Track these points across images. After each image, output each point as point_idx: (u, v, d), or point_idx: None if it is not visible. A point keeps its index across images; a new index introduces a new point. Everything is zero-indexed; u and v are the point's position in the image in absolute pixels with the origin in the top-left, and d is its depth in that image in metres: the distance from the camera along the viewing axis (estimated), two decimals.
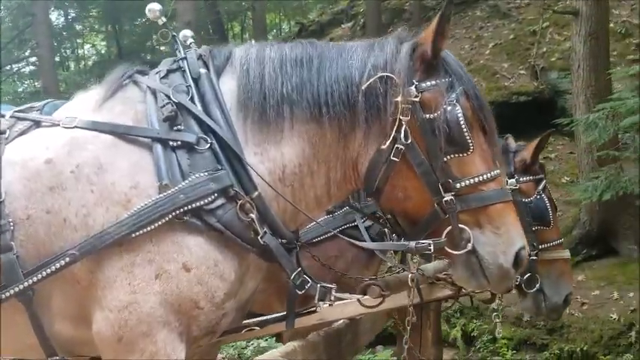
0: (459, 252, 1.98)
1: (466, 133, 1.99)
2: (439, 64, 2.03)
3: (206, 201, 1.86)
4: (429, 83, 2.01)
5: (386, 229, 2.90)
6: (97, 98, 2.09)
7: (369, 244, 2.38)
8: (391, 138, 1.97)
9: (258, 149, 2.02)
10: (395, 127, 1.97)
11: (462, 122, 1.98)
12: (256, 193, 1.95)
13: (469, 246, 1.97)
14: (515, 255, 1.98)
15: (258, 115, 2.02)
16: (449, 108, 1.98)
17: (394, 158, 1.99)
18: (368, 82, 1.99)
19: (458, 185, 1.97)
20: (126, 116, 2.02)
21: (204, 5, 17.53)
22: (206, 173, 1.90)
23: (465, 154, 2.00)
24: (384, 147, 1.99)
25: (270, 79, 2.05)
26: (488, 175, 2.00)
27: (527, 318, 7.24)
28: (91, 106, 2.07)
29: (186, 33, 2.21)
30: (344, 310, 2.37)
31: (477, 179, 1.99)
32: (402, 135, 1.97)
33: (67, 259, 1.82)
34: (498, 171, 2.03)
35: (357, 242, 2.38)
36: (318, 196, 2.10)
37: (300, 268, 2.06)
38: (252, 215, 1.92)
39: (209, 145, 1.93)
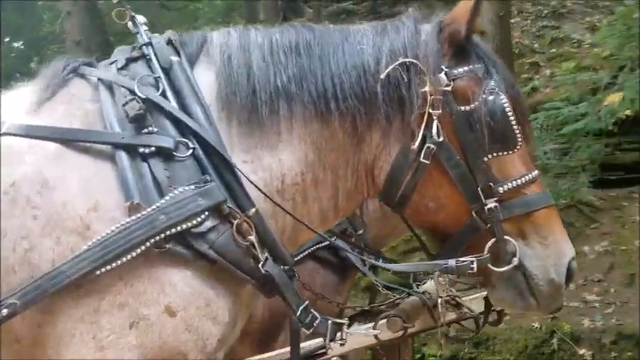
0: (505, 268, 1.69)
1: (515, 127, 1.71)
2: (471, 48, 1.75)
3: (195, 222, 1.49)
4: (461, 70, 1.72)
5: (359, 250, 2.58)
6: (32, 98, 1.62)
7: (397, 266, 2.00)
8: (420, 136, 1.66)
9: (249, 156, 1.65)
10: (424, 123, 1.66)
11: (509, 113, 1.71)
12: (253, 210, 1.58)
13: (515, 261, 1.69)
14: (567, 268, 1.74)
15: (247, 114, 1.65)
16: (491, 97, 1.70)
17: (424, 160, 1.69)
18: (387, 70, 1.66)
19: (500, 189, 1.69)
20: (73, 118, 1.58)
21: (92, 25, 16.58)
22: (192, 187, 1.50)
23: (510, 152, 1.72)
24: (413, 147, 1.67)
25: (260, 70, 1.68)
26: (531, 175, 1.74)
27: (454, 333, 7.13)
28: (25, 107, 1.60)
29: (140, 19, 1.79)
30: (351, 343, 2.01)
31: (520, 181, 1.71)
32: (434, 132, 1.67)
33: (4, 311, 1.34)
34: (538, 172, 1.79)
35: (385, 265, 2.05)
36: (323, 210, 1.76)
37: (307, 302, 1.69)
38: (252, 238, 1.55)
39: (191, 150, 1.56)
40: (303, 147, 1.69)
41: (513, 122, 1.71)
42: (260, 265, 1.56)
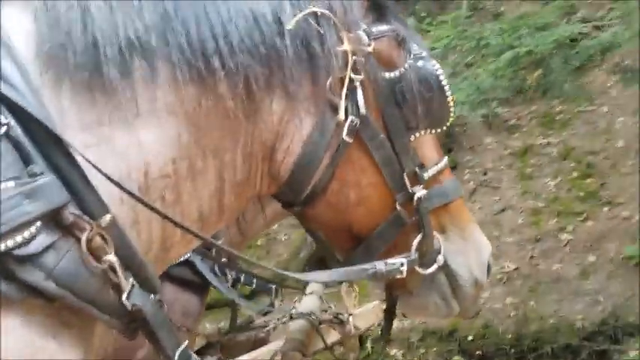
0: (432, 269, 1.47)
1: (449, 97, 1.46)
2: (388, 4, 1.48)
3: (20, 239, 1.01)
4: (381, 28, 1.44)
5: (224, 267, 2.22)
6: None
7: (317, 276, 1.54)
8: (343, 107, 1.34)
9: (91, 137, 1.16)
10: (344, 91, 1.34)
11: (443, 82, 1.45)
12: (109, 218, 1.12)
13: (440, 259, 1.48)
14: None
15: (86, 77, 1.16)
16: (420, 63, 1.43)
17: (347, 138, 1.36)
18: (296, 19, 1.29)
19: (425, 175, 1.45)
20: None
21: None
22: (11, 183, 1.03)
23: (438, 130, 1.48)
24: (335, 121, 1.34)
25: (101, 13, 1.18)
26: (444, 161, 1.51)
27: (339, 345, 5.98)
28: None
29: None
30: None
31: (440, 166, 1.49)
32: (359, 102, 1.35)
33: None
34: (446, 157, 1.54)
35: (299, 275, 1.66)
36: (203, 211, 1.31)
37: (186, 343, 1.27)
38: (110, 257, 1.10)
39: (4, 128, 1.06)
40: (174, 123, 1.23)
41: (448, 92, 1.47)
42: (124, 298, 1.13)
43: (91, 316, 1.11)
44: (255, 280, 2.52)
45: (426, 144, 1.49)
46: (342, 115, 1.36)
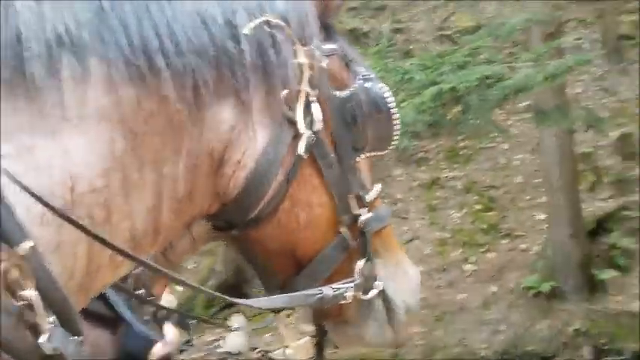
0: (372, 294, 1.38)
1: (396, 122, 1.41)
2: (332, 23, 1.42)
3: None
4: (331, 47, 1.36)
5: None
6: None
7: (261, 302, 1.39)
8: (300, 120, 1.24)
9: (10, 146, 0.98)
10: (301, 105, 1.25)
11: (391, 104, 1.39)
12: (28, 245, 0.94)
13: (379, 285, 1.38)
14: None
15: (7, 76, 1.01)
16: (368, 84, 1.38)
17: (303, 155, 1.26)
18: (253, 25, 1.18)
19: (367, 198, 1.36)
20: None
21: None
22: None
23: (382, 152, 1.44)
24: (291, 134, 1.24)
25: (25, 7, 1.04)
26: (380, 185, 1.44)
27: None
28: None
29: None
30: None
31: (376, 190, 1.41)
32: (315, 118, 1.25)
33: None
34: None
35: (243, 301, 1.45)
36: (136, 232, 1.12)
37: None
38: (28, 293, 0.93)
39: None
40: (107, 128, 1.07)
41: (395, 115, 1.41)
42: (45, 340, 0.95)
43: None
44: (171, 314, 2.28)
45: (365, 167, 1.43)
46: (301, 128, 1.26)
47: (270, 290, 1.44)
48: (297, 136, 1.27)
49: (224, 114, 1.20)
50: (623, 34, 10.19)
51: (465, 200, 7.86)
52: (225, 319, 2.09)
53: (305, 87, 1.26)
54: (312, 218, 1.33)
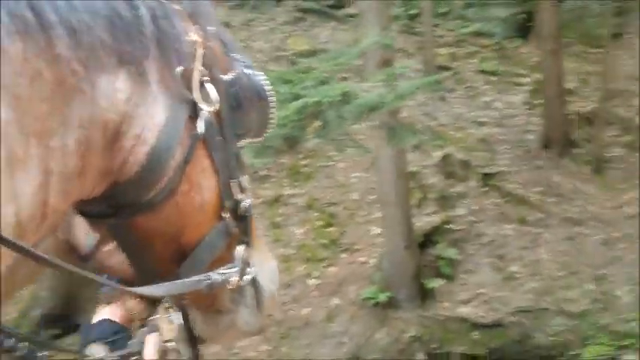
0: (248, 278, 1.35)
1: (273, 110, 1.40)
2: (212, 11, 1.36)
3: None
4: (212, 29, 1.30)
5: None
6: None
7: (148, 289, 1.26)
8: (199, 99, 1.19)
9: None
10: (197, 82, 1.19)
11: (270, 92, 1.39)
12: None
13: (252, 271, 1.36)
14: None
15: None
16: (249, 71, 1.36)
17: (200, 133, 1.19)
18: None
19: (245, 184, 1.32)
20: None
21: None
22: None
23: (258, 140, 1.42)
24: (186, 112, 1.17)
25: None
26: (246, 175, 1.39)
27: None
28: None
29: None
30: None
31: (247, 178, 1.37)
32: (211, 97, 1.20)
33: None
34: None
35: (139, 290, 1.27)
36: (21, 217, 0.96)
37: None
38: None
39: None
40: None
41: (273, 104, 1.39)
42: None
43: None
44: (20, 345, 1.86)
45: (242, 153, 1.44)
46: (201, 105, 1.21)
47: (147, 282, 1.33)
48: (192, 115, 1.21)
49: (120, 82, 1.08)
50: (441, 65, 11.31)
51: (307, 217, 8.04)
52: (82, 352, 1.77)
53: (199, 65, 1.21)
54: (205, 202, 1.27)
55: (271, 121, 1.44)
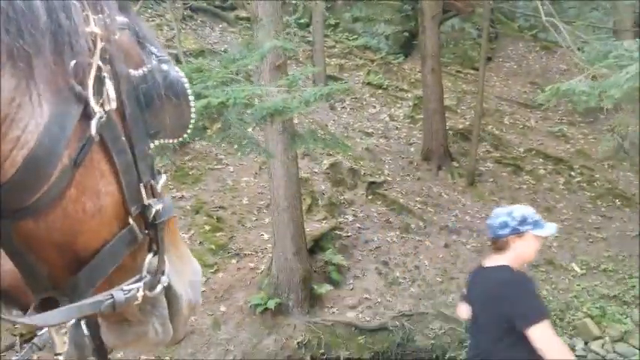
0: (158, 290, 1.26)
1: (192, 109, 1.31)
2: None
3: None
4: (123, 20, 1.23)
5: None
6: None
7: (48, 318, 1.17)
8: (91, 97, 1.09)
9: None
10: (91, 80, 1.10)
11: (188, 90, 1.30)
12: None
13: (165, 280, 1.28)
14: None
15: None
16: (164, 66, 1.26)
17: (95, 135, 1.10)
18: None
19: (158, 188, 1.24)
20: None
21: None
22: None
23: (173, 140, 1.32)
24: (76, 112, 1.08)
25: None
26: (164, 175, 1.32)
27: None
28: None
29: None
30: None
31: (164, 179, 1.29)
32: (108, 96, 1.12)
33: None
34: None
35: (31, 319, 1.18)
36: None
37: None
38: None
39: None
40: None
41: (192, 101, 1.31)
42: None
43: None
44: None
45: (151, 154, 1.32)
46: (93, 105, 1.10)
47: (38, 293, 1.24)
48: (85, 115, 1.10)
49: (5, 82, 1.00)
50: (330, 75, 11.53)
51: (195, 221, 7.78)
52: None
53: (97, 60, 1.11)
54: (99, 208, 1.17)
55: (190, 120, 1.34)
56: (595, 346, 7.18)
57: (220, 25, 12.98)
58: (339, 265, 7.67)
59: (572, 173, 10.59)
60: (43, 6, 1.03)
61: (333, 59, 12.53)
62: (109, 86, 1.12)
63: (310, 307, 7.12)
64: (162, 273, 1.27)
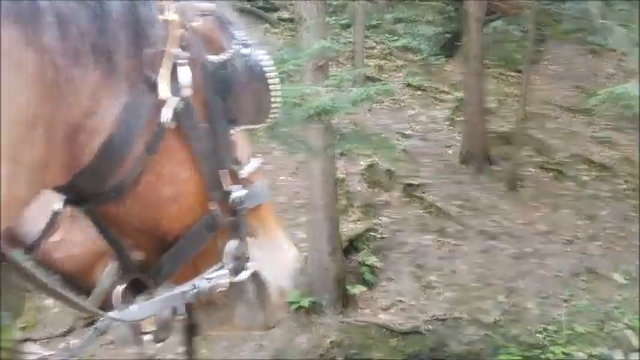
0: (244, 276, 1.26)
1: (275, 93, 1.27)
2: None
3: None
4: (206, 5, 1.22)
5: None
6: None
7: (137, 313, 1.18)
8: (165, 85, 1.10)
9: None
10: (165, 68, 1.11)
11: (270, 74, 1.26)
12: None
13: (251, 266, 1.27)
14: None
15: None
16: (246, 50, 1.24)
17: (168, 123, 1.11)
18: None
19: (243, 173, 1.25)
20: None
21: None
22: None
23: (258, 126, 1.32)
24: (150, 101, 1.09)
25: None
26: (259, 160, 1.32)
27: None
28: None
29: None
30: None
31: (253, 165, 1.29)
32: (184, 83, 1.12)
33: None
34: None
35: (122, 315, 1.21)
36: None
37: None
38: None
39: None
40: None
41: (275, 86, 1.27)
42: None
43: None
44: None
45: (240, 140, 1.32)
46: (165, 94, 1.12)
47: (128, 273, 1.31)
48: (159, 103, 1.12)
49: (89, 76, 1.04)
50: (369, 76, 11.51)
51: None
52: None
53: (172, 48, 1.13)
54: (178, 194, 1.20)
55: (273, 105, 1.31)
56: (635, 357, 6.97)
57: (263, 26, 13.11)
58: (373, 267, 7.65)
59: (617, 180, 10.28)
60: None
61: (373, 60, 12.50)
62: (184, 73, 1.13)
63: (343, 307, 7.12)
64: (247, 259, 1.28)
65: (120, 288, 1.30)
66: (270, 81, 1.29)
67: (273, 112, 1.33)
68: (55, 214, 1.91)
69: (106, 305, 1.58)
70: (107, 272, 1.91)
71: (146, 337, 1.33)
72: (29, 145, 0.98)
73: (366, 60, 11.85)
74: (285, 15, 13.09)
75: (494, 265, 8.15)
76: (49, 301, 6.86)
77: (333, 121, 8.10)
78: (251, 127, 1.33)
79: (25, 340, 2.15)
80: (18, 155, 0.96)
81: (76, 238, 1.94)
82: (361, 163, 9.35)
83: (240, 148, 1.29)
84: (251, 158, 1.32)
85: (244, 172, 1.27)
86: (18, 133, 0.95)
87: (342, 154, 9.26)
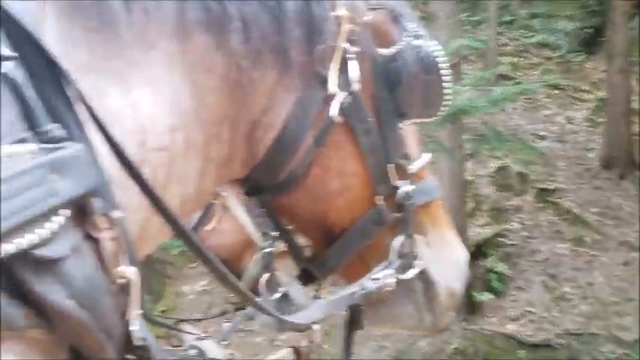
0: (410, 275, 1.24)
1: (446, 85, 1.25)
2: None
3: (41, 235, 0.72)
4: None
5: None
6: None
7: (308, 316, 1.21)
8: (334, 80, 1.12)
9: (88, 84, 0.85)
10: (335, 62, 1.12)
11: (442, 65, 1.24)
12: (117, 212, 0.83)
13: (419, 265, 1.25)
14: None
15: (96, 19, 0.90)
16: (418, 42, 1.22)
17: (336, 117, 1.13)
18: None
19: (412, 168, 1.24)
20: None
21: None
22: (29, 147, 0.75)
23: (429, 119, 1.29)
24: (321, 95, 1.12)
25: None
26: (429, 155, 1.32)
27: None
28: None
29: None
30: None
31: (424, 160, 1.28)
32: (352, 78, 1.13)
33: None
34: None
35: (291, 317, 1.21)
36: (184, 198, 1.02)
37: None
38: (127, 270, 0.82)
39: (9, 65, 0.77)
40: (177, 81, 0.96)
41: (447, 77, 1.25)
42: (136, 329, 0.81)
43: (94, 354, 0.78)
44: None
45: (411, 134, 1.31)
46: (333, 88, 1.13)
47: (299, 262, 1.37)
48: (328, 97, 1.14)
49: (268, 76, 1.09)
50: (502, 74, 11.06)
51: None
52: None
53: (342, 43, 1.14)
54: (345, 187, 1.21)
55: (444, 97, 1.26)
56: None
57: None
58: (502, 274, 7.36)
59: None
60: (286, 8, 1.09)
61: (506, 57, 11.99)
62: (353, 68, 1.15)
63: (468, 314, 6.93)
64: (415, 257, 1.26)
65: (265, 276, 1.38)
66: (442, 72, 1.26)
67: (445, 105, 1.29)
68: (209, 206, 2.06)
69: (254, 292, 1.66)
70: (255, 260, 2.01)
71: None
72: (218, 143, 1.06)
73: (498, 57, 11.40)
74: (417, 13, 12.93)
75: (636, 278, 7.52)
76: (186, 287, 7.35)
77: (466, 120, 7.92)
78: (421, 120, 1.30)
79: (181, 320, 2.33)
80: (209, 153, 1.05)
81: (227, 228, 2.08)
82: (491, 165, 9.02)
83: (409, 142, 1.28)
84: (422, 153, 1.31)
85: (413, 168, 1.25)
86: (209, 132, 1.03)
87: (470, 155, 9.01)
